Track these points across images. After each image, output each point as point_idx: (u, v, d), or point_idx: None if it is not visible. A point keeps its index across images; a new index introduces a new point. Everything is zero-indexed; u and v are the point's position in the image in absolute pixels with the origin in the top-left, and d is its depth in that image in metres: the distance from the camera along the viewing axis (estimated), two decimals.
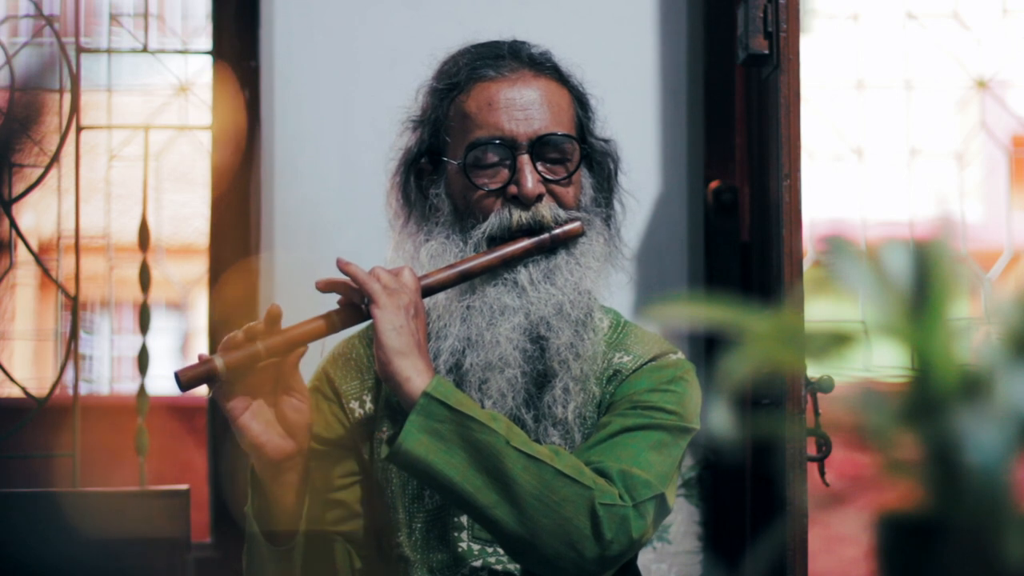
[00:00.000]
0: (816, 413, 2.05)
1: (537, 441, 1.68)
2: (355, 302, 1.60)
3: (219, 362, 1.53)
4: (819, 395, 2.05)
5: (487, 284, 1.69)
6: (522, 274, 1.69)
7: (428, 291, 1.66)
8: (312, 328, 1.58)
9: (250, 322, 1.57)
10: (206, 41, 2.81)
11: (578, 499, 1.56)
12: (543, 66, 1.76)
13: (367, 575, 1.75)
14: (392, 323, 1.57)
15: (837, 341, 0.73)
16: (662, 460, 1.65)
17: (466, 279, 1.68)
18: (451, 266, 1.67)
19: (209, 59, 2.73)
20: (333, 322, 1.60)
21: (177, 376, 1.54)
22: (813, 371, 2.03)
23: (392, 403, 1.72)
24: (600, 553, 1.56)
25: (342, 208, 2.50)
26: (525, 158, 1.70)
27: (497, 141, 1.70)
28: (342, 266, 1.60)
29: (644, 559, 2.30)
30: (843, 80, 2.97)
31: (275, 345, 1.55)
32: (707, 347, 2.52)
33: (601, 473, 1.60)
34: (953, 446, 0.67)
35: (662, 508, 1.64)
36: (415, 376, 1.57)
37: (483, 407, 1.66)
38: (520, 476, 1.55)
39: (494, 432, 1.56)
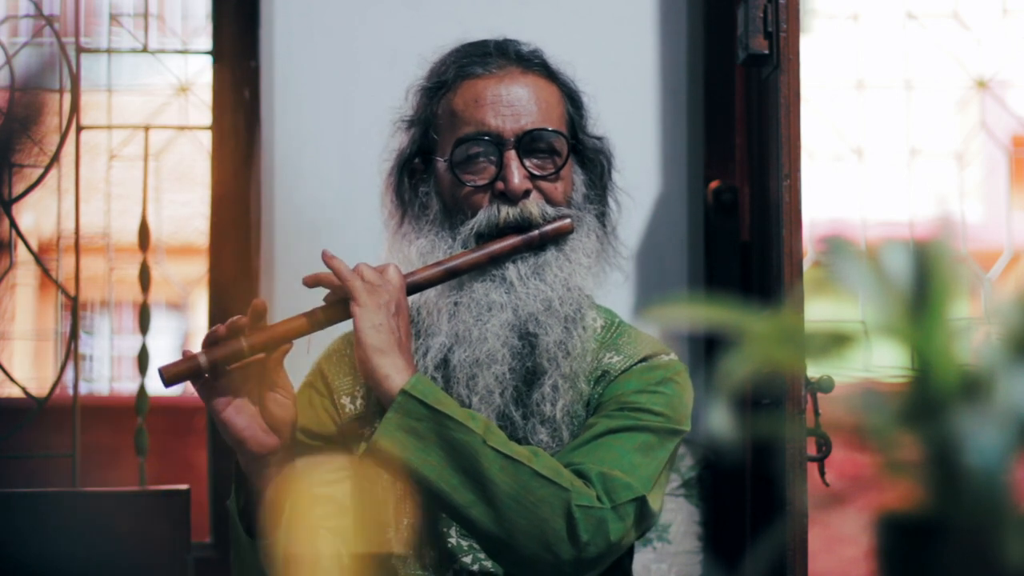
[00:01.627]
0: (816, 413, 2.05)
1: (525, 439, 1.68)
2: (340, 298, 1.60)
3: (203, 359, 1.54)
4: (819, 395, 2.05)
5: (475, 280, 1.69)
6: (511, 270, 1.69)
7: (414, 288, 1.65)
8: (296, 325, 1.58)
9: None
10: (206, 41, 2.81)
11: (554, 500, 1.55)
12: (531, 63, 1.76)
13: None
14: (371, 321, 1.56)
15: (837, 341, 0.73)
16: (647, 462, 1.64)
17: (453, 276, 1.68)
18: (438, 263, 1.67)
19: (209, 59, 2.73)
20: (317, 319, 1.60)
21: (161, 372, 1.55)
22: (813, 371, 2.03)
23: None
24: (576, 555, 1.55)
25: (342, 208, 2.50)
26: (512, 154, 1.69)
27: (485, 137, 1.70)
28: (327, 259, 1.59)
29: (644, 559, 2.30)
30: (843, 80, 2.97)
31: (259, 342, 1.55)
32: (707, 347, 2.52)
33: (580, 475, 1.59)
34: (953, 446, 0.67)
35: (644, 511, 1.62)
36: (394, 374, 1.57)
37: (471, 404, 1.66)
38: (496, 476, 1.54)
39: (471, 431, 1.55)
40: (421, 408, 1.55)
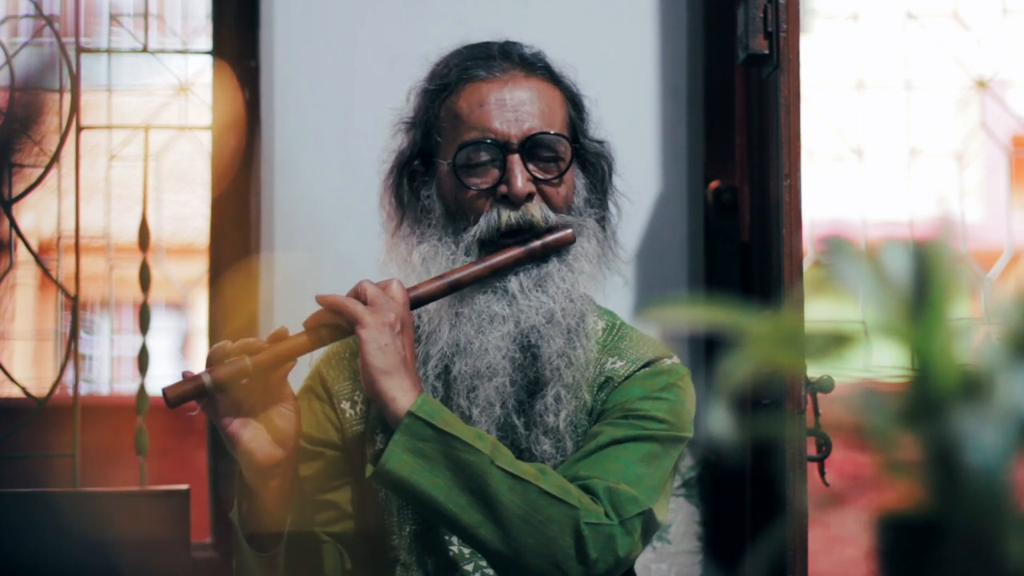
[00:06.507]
0: (816, 413, 2.05)
1: (528, 449, 1.67)
2: (342, 326, 1.60)
3: (207, 379, 1.53)
4: (819, 395, 2.05)
5: (477, 292, 1.68)
6: (513, 282, 1.68)
7: (417, 303, 1.65)
8: (300, 343, 1.58)
9: (248, 332, 1.57)
10: (206, 41, 2.81)
11: (563, 519, 1.55)
12: (534, 66, 1.75)
13: None
14: (377, 342, 1.56)
15: (837, 341, 0.73)
16: (652, 472, 1.64)
17: (456, 289, 1.67)
18: (440, 277, 1.66)
19: (209, 59, 2.73)
20: (321, 336, 1.59)
21: (165, 393, 1.54)
22: (813, 371, 2.03)
23: None
24: (585, 572, 1.55)
25: (342, 208, 2.50)
26: (515, 157, 1.69)
27: (488, 141, 1.69)
28: (319, 300, 1.59)
29: (644, 559, 2.30)
30: (843, 80, 2.97)
31: (263, 360, 1.55)
32: (707, 348, 2.52)
33: (587, 490, 1.59)
34: (953, 446, 0.67)
35: (651, 523, 1.62)
36: (400, 395, 1.56)
37: (471, 415, 1.66)
38: (504, 496, 1.54)
39: (478, 452, 1.55)
40: (428, 429, 1.55)
